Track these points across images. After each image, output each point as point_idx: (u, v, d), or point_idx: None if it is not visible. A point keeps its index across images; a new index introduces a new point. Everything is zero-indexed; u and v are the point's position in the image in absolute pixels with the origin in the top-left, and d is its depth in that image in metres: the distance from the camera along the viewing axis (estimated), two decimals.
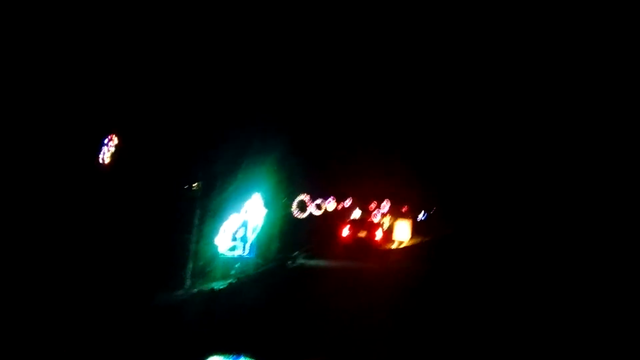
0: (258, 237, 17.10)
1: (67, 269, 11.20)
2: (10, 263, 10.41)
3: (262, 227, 17.27)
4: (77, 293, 10.50)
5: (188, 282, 14.42)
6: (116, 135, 14.29)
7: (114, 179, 13.87)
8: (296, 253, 20.75)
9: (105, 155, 14.15)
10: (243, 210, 16.35)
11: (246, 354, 4.14)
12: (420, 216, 38.74)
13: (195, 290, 14.20)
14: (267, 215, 17.50)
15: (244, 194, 16.53)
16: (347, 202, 33.41)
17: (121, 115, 14.06)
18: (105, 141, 14.31)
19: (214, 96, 14.94)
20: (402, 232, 29.63)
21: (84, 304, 10.16)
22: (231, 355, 4.12)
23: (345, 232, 26.54)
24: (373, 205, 35.04)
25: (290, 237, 21.27)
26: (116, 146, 14.33)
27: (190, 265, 14.65)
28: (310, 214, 27.67)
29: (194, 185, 15.52)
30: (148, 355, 7.15)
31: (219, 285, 14.69)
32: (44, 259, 11.02)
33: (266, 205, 17.22)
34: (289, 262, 19.57)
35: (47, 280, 10.57)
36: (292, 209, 25.09)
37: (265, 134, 16.66)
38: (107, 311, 10.18)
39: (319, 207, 28.98)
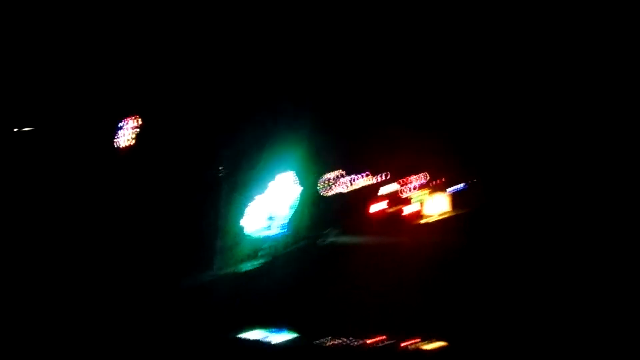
0: (289, 216, 16.96)
1: (94, 254, 11.27)
2: (33, 248, 10.52)
3: (294, 205, 17.11)
4: (104, 278, 10.56)
5: (217, 264, 14.39)
6: (136, 117, 14.21)
7: (136, 160, 13.83)
8: (327, 230, 20.52)
9: (125, 137, 14.11)
10: (271, 188, 16.19)
11: (276, 329, 3.93)
12: (458, 188, 37.91)
13: (225, 271, 14.17)
14: (299, 192, 17.32)
15: (272, 172, 16.36)
16: (381, 177, 32.93)
17: (142, 96, 13.95)
18: (124, 123, 14.25)
19: (237, 72, 14.70)
20: (439, 205, 29.05)
21: (111, 288, 10.20)
22: (272, 329, 3.92)
23: (379, 207, 26.18)
24: (408, 178, 34.46)
25: (321, 214, 21.04)
26: (138, 127, 14.26)
27: (219, 247, 14.61)
28: (342, 190, 27.36)
29: (221, 167, 15.39)
30: (182, 333, 7.01)
31: (248, 265, 14.63)
32: (69, 245, 11.10)
33: (297, 182, 17.04)
34: (320, 240, 19.35)
35: (73, 266, 10.64)
36: (322, 185, 24.83)
37: (293, 109, 16.37)
38: (135, 295, 10.20)
39: (350, 182, 28.62)
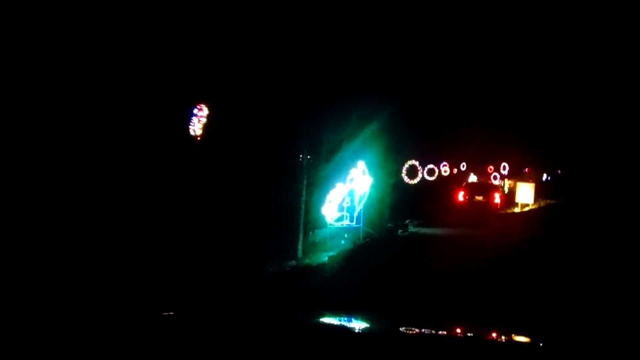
0: (367, 206, 16.92)
1: (178, 242, 11.64)
2: (116, 237, 10.86)
3: (371, 195, 17.05)
4: (187, 266, 10.89)
5: (298, 253, 14.61)
6: (207, 105, 14.44)
7: (221, 149, 14.09)
8: (407, 221, 20.30)
9: (196, 126, 14.39)
10: (349, 178, 16.19)
11: (358, 315, 3.97)
12: (545, 177, 36.46)
13: (306, 260, 14.36)
14: (376, 182, 17.23)
15: (351, 162, 16.35)
16: (462, 166, 32.22)
17: (215, 83, 14.11)
18: (195, 111, 14.52)
19: (317, 60, 14.68)
20: (525, 195, 27.98)
21: (194, 276, 10.51)
22: (344, 316, 3.96)
23: (461, 197, 25.58)
24: (491, 168, 33.54)
25: (401, 204, 20.87)
26: (207, 116, 14.52)
27: (300, 236, 14.81)
28: (422, 180, 26.99)
29: (302, 157, 15.55)
30: (258, 315, 7.16)
31: (329, 255, 14.74)
32: (155, 232, 11.48)
33: (375, 172, 16.94)
34: (400, 231, 19.16)
35: (159, 253, 11.02)
36: (402, 176, 24.60)
37: (373, 99, 16.26)
38: (220, 281, 10.49)
39: (431, 172, 28.18)
